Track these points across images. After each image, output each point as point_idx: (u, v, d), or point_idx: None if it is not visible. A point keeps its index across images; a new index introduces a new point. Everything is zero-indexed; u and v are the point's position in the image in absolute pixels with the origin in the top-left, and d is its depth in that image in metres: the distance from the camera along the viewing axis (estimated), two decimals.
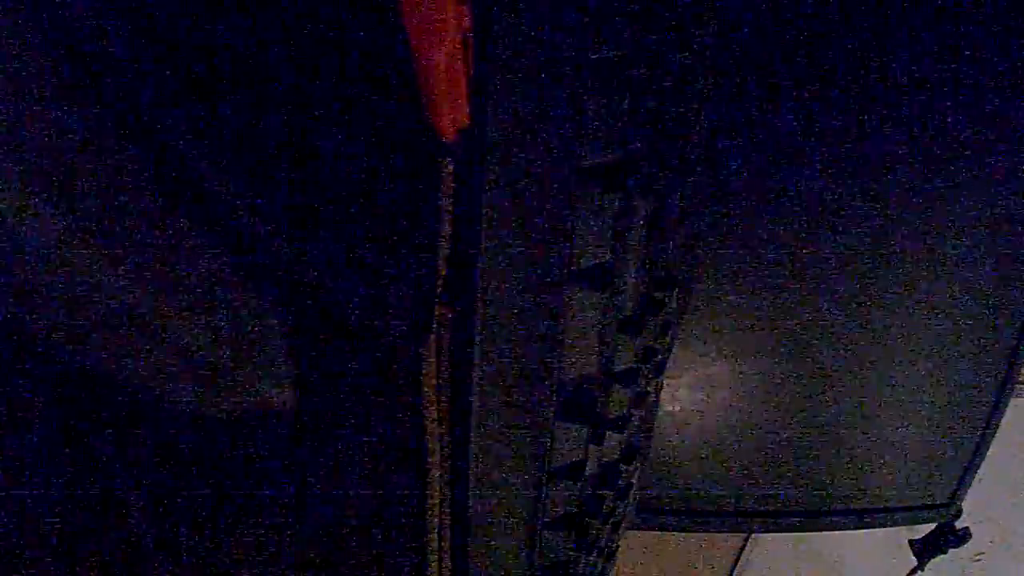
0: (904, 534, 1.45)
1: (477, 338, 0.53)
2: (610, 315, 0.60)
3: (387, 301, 0.53)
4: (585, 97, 0.49)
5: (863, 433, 1.20)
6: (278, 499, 0.59)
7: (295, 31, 0.45)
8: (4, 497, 0.53)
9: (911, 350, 1.15)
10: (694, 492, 1.17)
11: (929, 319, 1.13)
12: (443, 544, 0.61)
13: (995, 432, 1.27)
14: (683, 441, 1.13)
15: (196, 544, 0.59)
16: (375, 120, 0.48)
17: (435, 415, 0.55)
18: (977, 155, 1.04)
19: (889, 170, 1.03)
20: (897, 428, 1.22)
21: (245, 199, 0.48)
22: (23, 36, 0.35)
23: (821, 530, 1.33)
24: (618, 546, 0.90)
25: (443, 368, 0.54)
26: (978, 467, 1.30)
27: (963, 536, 1.34)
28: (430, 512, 0.59)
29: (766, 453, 1.16)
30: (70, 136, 0.39)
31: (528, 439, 0.59)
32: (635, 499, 0.83)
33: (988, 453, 1.29)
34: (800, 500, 1.23)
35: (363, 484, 0.59)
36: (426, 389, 0.54)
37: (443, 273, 0.50)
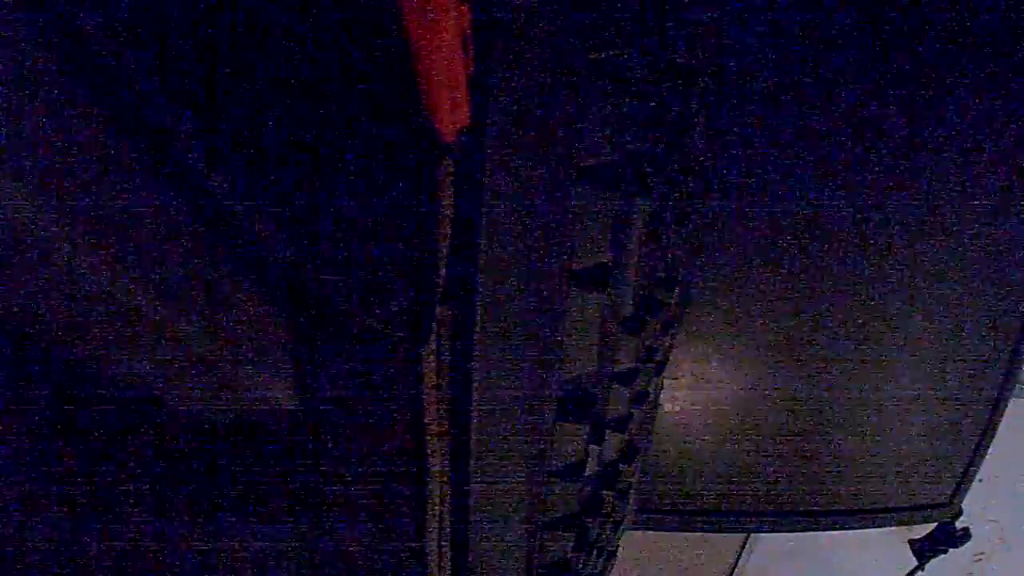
0: (904, 534, 1.45)
1: (477, 338, 0.53)
2: (610, 315, 0.60)
3: (387, 301, 0.53)
4: (585, 97, 0.49)
5: (863, 433, 1.20)
6: (278, 498, 0.59)
7: (295, 31, 0.45)
8: (4, 496, 0.53)
9: (911, 350, 1.15)
10: (694, 492, 1.17)
11: (929, 319, 1.13)
12: (443, 544, 0.61)
13: (995, 432, 1.27)
14: (683, 441, 1.13)
15: (195, 543, 0.59)
16: (375, 120, 0.48)
17: (435, 415, 0.55)
18: (977, 159, 1.04)
19: (890, 171, 1.03)
20: (897, 428, 1.22)
21: (245, 199, 0.48)
22: (24, 36, 0.35)
23: (821, 530, 1.33)
24: (618, 546, 0.90)
25: (443, 368, 0.54)
26: (978, 467, 1.30)
27: (963, 536, 1.34)
28: (430, 512, 0.59)
29: (766, 453, 1.16)
30: (70, 136, 0.39)
31: (528, 439, 0.59)
32: (635, 499, 0.83)
33: (988, 453, 1.29)
34: (800, 500, 1.23)
35: (363, 484, 0.59)
36: (426, 389, 0.54)
37: (443, 273, 0.50)
